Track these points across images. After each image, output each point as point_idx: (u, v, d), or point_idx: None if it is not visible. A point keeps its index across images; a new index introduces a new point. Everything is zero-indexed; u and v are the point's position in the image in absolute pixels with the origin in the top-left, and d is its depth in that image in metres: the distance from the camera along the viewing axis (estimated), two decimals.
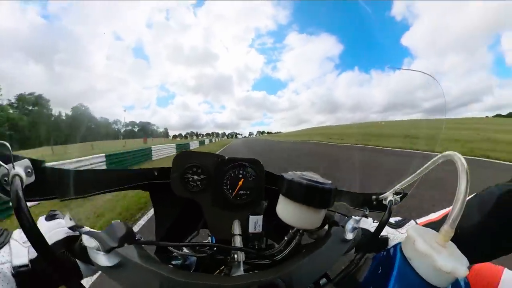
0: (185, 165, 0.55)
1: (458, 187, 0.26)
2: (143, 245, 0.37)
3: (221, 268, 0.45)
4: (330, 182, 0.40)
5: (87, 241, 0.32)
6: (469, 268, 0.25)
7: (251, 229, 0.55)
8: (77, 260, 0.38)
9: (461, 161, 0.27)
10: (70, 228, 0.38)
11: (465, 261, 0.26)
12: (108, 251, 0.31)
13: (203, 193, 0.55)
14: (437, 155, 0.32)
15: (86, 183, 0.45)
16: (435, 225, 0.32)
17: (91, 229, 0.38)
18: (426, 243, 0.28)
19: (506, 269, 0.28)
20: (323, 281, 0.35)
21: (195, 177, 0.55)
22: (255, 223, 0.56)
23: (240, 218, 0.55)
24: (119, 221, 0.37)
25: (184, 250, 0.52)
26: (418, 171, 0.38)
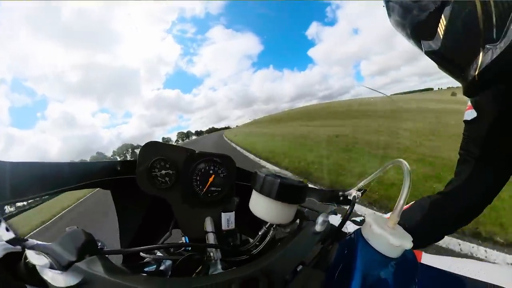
0: (152, 158, 0.50)
1: (403, 185, 0.33)
2: (107, 255, 0.33)
3: (199, 269, 0.44)
4: (301, 179, 0.44)
5: (35, 257, 0.26)
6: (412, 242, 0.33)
7: (224, 226, 0.55)
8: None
9: (406, 166, 0.35)
10: (9, 242, 0.29)
11: (409, 237, 0.33)
12: (65, 267, 0.26)
13: (172, 190, 0.52)
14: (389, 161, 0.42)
15: (24, 181, 0.36)
16: None
17: (39, 242, 0.31)
18: (379, 227, 0.34)
19: (424, 252, 0.40)
20: (299, 268, 0.39)
21: (163, 172, 0.51)
22: (228, 220, 0.56)
23: (212, 215, 0.55)
24: (76, 227, 0.31)
25: (157, 254, 0.48)
26: (375, 172, 0.46)
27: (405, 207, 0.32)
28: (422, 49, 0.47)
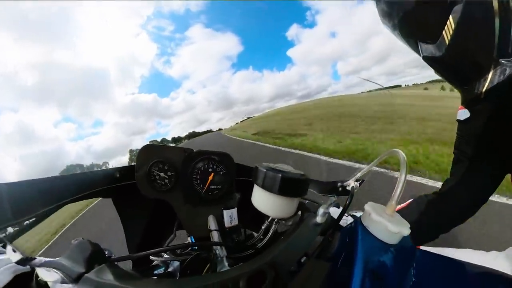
0: (150, 162, 0.50)
1: (400, 174, 0.34)
2: (116, 263, 0.34)
3: (207, 267, 0.45)
4: (302, 173, 0.45)
5: (46, 275, 0.27)
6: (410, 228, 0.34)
7: (227, 223, 0.56)
8: None
9: (402, 155, 0.36)
10: (18, 263, 0.30)
11: (407, 224, 0.35)
12: (76, 280, 0.26)
13: (173, 191, 0.52)
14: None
15: (23, 200, 0.36)
16: None
17: (47, 258, 0.31)
18: (378, 215, 0.35)
19: (422, 247, 0.41)
20: (304, 259, 0.40)
21: (162, 174, 0.51)
22: (230, 216, 0.57)
23: (215, 213, 0.55)
24: (81, 238, 0.32)
25: (165, 256, 0.49)
26: (372, 162, 0.47)
27: (402, 205, 0.33)
28: (419, 53, 0.42)
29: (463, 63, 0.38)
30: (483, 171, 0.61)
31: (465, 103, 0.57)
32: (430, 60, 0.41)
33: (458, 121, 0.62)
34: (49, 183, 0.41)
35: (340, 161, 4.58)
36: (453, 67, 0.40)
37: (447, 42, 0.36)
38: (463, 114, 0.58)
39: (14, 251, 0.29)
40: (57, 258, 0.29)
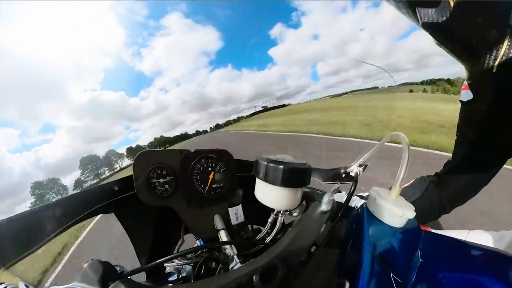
0: (147, 169, 0.49)
1: (402, 158, 0.33)
2: (129, 277, 0.34)
3: (219, 267, 0.46)
4: (304, 162, 0.44)
5: None
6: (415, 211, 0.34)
7: (233, 221, 0.56)
8: None
9: (404, 139, 0.35)
10: None
11: (412, 207, 0.35)
12: None
13: (174, 196, 0.52)
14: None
15: (23, 234, 0.36)
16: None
17: (61, 286, 0.31)
18: (383, 199, 0.36)
19: (430, 229, 0.41)
20: (313, 249, 0.41)
21: (161, 180, 0.50)
22: (236, 213, 0.57)
23: (220, 212, 0.55)
24: (91, 260, 0.32)
25: (177, 262, 0.50)
26: (375, 147, 0.46)
27: (405, 185, 0.33)
28: (417, 20, 0.36)
29: (471, 30, 0.32)
30: (485, 154, 0.60)
31: (470, 83, 0.53)
32: (430, 28, 0.34)
33: (461, 102, 0.59)
34: (46, 210, 0.40)
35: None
36: (459, 35, 0.33)
37: (451, 4, 0.31)
38: (467, 95, 0.55)
39: (26, 286, 0.29)
40: (70, 285, 0.29)
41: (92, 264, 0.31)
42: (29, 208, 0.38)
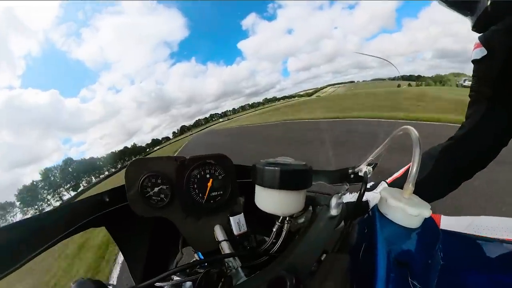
0: (140, 177, 0.45)
1: (413, 153, 0.32)
2: None
3: (222, 282, 0.42)
4: (303, 163, 0.42)
5: None
6: (431, 209, 0.32)
7: (235, 231, 0.53)
8: None
9: (414, 133, 0.34)
10: None
11: (427, 205, 0.33)
12: None
13: (170, 206, 0.48)
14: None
15: (11, 249, 0.33)
16: (400, 180, 0.41)
17: None
18: (396, 199, 0.34)
19: (442, 215, 0.39)
20: (323, 256, 0.38)
21: (156, 189, 0.46)
22: (238, 223, 0.54)
23: (220, 222, 0.52)
24: (81, 279, 0.29)
25: (175, 279, 0.45)
26: (383, 143, 0.45)
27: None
28: None
29: None
30: (503, 111, 0.57)
31: (482, 39, 0.53)
32: None
33: (474, 61, 0.58)
34: (32, 223, 0.36)
35: None
36: None
37: None
38: (479, 52, 0.55)
39: None
40: None
41: (81, 283, 0.28)
42: None
